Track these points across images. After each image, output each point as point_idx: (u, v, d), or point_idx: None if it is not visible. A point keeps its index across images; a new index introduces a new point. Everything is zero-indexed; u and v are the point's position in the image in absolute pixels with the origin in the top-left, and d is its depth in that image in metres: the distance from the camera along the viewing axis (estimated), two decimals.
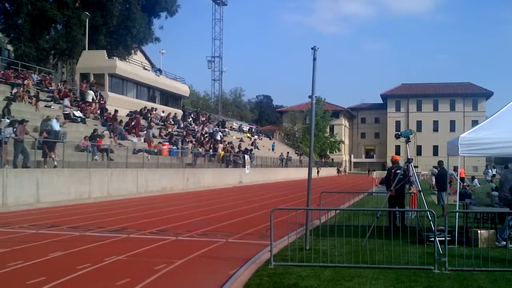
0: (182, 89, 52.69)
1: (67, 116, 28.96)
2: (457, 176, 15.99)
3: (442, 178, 17.44)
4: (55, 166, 21.23)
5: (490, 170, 32.72)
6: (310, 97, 10.75)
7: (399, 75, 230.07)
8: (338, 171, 70.67)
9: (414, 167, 12.94)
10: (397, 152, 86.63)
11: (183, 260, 9.28)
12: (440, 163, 17.98)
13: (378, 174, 57.59)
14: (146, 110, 40.75)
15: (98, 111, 33.74)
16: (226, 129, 59.19)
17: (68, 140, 24.32)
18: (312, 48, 10.53)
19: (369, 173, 74.03)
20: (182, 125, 45.45)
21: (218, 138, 47.05)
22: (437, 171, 18.02)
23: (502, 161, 54.97)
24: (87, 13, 42.24)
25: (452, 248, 9.68)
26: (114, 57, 40.55)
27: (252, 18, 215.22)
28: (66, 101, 30.80)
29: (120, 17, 48.19)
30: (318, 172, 61.78)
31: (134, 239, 11.72)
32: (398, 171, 12.90)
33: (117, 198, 23.33)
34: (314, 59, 10.50)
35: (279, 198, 26.27)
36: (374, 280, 7.73)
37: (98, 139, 26.23)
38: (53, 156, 21.37)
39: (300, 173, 58.96)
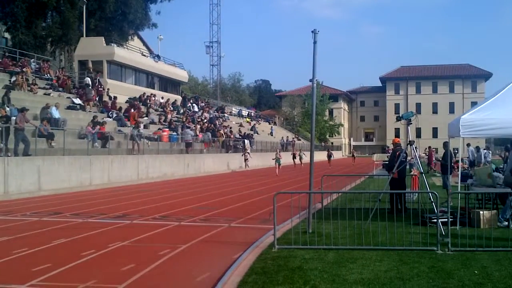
0: (181, 74, 52.50)
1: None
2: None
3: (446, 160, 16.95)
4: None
5: (490, 152, 32.54)
6: (311, 80, 10.68)
7: (398, 58, 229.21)
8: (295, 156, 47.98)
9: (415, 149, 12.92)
10: (397, 135, 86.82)
11: (187, 245, 9.32)
12: (446, 144, 17.18)
13: (378, 157, 57.06)
14: (145, 97, 40.66)
15: (97, 98, 33.64)
16: (226, 114, 59.07)
17: (69, 128, 24.31)
18: (312, 31, 10.46)
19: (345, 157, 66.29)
20: (181, 111, 45.37)
21: (218, 123, 46.95)
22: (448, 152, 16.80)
23: (502, 142, 55.04)
24: None
25: (454, 229, 9.73)
26: (112, 44, 40.35)
27: (250, 2, 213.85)
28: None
29: (116, 3, 47.77)
30: (301, 158, 47.90)
31: (137, 225, 11.77)
32: (402, 153, 12.96)
33: (118, 185, 23.37)
34: (315, 42, 10.44)
35: (280, 183, 26.29)
36: (378, 261, 7.77)
37: (99, 126, 26.20)
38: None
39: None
